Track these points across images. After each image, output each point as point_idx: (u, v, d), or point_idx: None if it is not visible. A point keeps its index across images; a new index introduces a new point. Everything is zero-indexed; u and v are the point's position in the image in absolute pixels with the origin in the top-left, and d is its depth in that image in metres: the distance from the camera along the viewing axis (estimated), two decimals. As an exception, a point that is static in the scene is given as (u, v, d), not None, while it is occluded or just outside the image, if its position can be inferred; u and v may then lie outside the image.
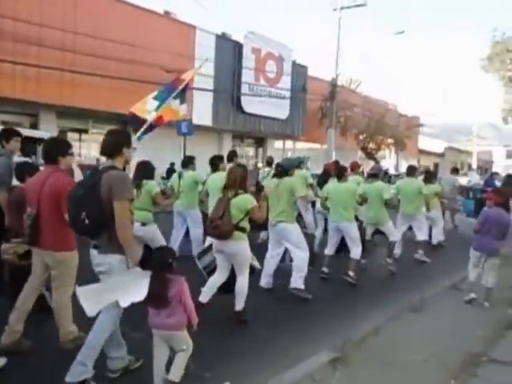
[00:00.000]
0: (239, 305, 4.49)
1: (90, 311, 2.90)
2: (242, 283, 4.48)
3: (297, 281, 5.33)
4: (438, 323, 4.69)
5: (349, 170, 7.42)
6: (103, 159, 3.38)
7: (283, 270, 5.79)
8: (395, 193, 7.86)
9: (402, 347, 4.02)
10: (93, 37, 12.88)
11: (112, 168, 3.12)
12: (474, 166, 45.95)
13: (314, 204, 7.82)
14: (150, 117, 6.15)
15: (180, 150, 14.01)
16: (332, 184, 6.58)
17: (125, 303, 2.95)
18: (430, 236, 8.61)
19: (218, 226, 4.27)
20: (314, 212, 8.02)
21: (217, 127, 17.29)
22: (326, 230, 7.33)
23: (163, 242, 5.41)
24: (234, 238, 4.32)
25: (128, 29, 13.96)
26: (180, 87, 6.46)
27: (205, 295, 4.52)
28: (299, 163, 7.69)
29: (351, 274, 6.14)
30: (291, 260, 5.63)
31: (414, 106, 29.18)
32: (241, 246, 4.41)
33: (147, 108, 7.07)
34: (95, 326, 3.11)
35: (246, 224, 4.43)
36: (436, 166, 11.66)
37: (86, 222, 2.98)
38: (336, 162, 8.46)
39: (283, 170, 5.57)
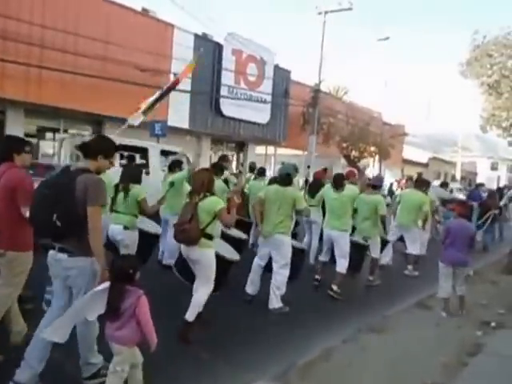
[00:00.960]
0: (191, 315, 4.14)
1: (61, 338, 2.88)
2: (200, 296, 4.20)
3: (275, 301, 5.18)
4: (397, 346, 4.25)
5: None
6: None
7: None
8: (397, 201, 7.83)
9: (352, 375, 3.56)
10: (63, 31, 12.36)
11: (86, 171, 3.04)
12: (458, 176, 46.06)
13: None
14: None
15: None
16: (330, 192, 6.36)
17: (92, 317, 2.94)
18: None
19: (185, 231, 4.11)
20: (302, 222, 7.88)
21: (194, 130, 16.76)
22: (321, 239, 7.09)
23: (134, 252, 5.02)
24: (200, 245, 4.13)
25: (102, 25, 13.42)
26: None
27: (188, 312, 4.19)
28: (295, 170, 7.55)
29: (335, 288, 5.92)
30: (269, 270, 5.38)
31: (399, 114, 28.96)
32: (205, 254, 4.19)
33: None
34: (78, 328, 3.12)
35: (212, 230, 4.25)
36: (419, 175, 11.36)
37: (58, 223, 2.89)
38: (325, 170, 8.24)
39: (288, 179, 5.37)
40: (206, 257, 4.20)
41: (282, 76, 20.29)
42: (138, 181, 5.29)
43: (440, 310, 5.28)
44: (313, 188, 7.55)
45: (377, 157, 28.19)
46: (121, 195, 5.11)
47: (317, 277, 6.33)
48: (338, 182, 6.24)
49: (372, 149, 25.51)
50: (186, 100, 16.11)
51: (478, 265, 6.89)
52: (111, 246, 5.16)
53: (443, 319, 5.05)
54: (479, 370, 3.81)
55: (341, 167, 23.00)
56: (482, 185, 14.86)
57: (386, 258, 7.58)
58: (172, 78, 15.33)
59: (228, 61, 17.31)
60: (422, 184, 8.06)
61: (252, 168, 9.56)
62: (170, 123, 15.16)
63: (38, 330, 3.08)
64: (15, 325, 3.68)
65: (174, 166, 6.88)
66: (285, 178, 5.38)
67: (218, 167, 6.64)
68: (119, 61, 13.43)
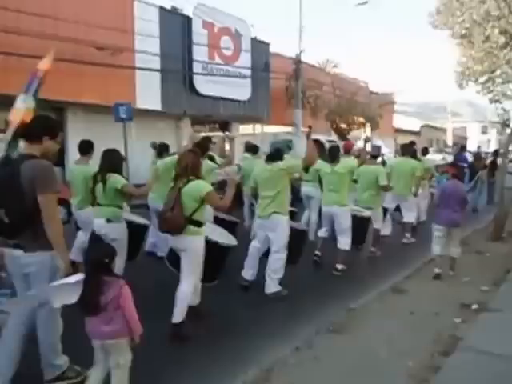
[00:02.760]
0: (177, 316, 3.84)
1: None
2: (185, 289, 3.89)
3: (272, 285, 4.98)
4: (359, 348, 3.58)
5: (342, 151, 7.24)
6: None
7: None
8: (388, 172, 7.61)
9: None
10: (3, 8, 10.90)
11: (31, 157, 2.80)
12: (450, 142, 45.25)
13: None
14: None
15: (122, 137, 12.27)
16: (324, 165, 6.19)
17: (57, 304, 2.73)
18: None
19: (168, 220, 3.83)
20: (300, 196, 7.77)
21: (167, 111, 15.44)
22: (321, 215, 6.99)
23: (125, 245, 4.75)
24: (187, 232, 3.84)
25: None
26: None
27: (193, 298, 4.06)
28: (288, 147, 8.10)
29: (339, 267, 5.86)
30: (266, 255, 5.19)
31: (387, 83, 27.73)
32: (193, 242, 3.90)
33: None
34: (38, 326, 2.96)
35: (201, 216, 3.92)
36: (411, 143, 10.47)
37: (6, 220, 2.73)
38: (316, 141, 7.41)
39: (277, 155, 5.17)
40: (193, 244, 3.90)
41: (260, 49, 18.91)
42: (118, 169, 4.79)
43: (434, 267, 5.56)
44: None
45: (368, 128, 27.07)
46: (99, 186, 4.68)
47: (317, 252, 6.21)
48: (333, 155, 6.09)
49: (361, 120, 24.30)
50: (155, 79, 14.77)
51: (464, 232, 6.65)
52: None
53: (419, 304, 4.61)
54: (452, 376, 3.09)
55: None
56: (464, 148, 15.69)
57: (387, 229, 7.37)
58: (137, 56, 14.08)
59: (199, 35, 15.92)
60: (407, 150, 8.06)
61: (249, 147, 9.07)
62: (139, 105, 13.96)
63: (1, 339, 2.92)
64: None
65: (162, 151, 6.60)
66: (273, 154, 5.19)
67: (202, 147, 6.00)
68: (71, 39, 12.02)
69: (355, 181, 6.63)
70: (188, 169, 3.94)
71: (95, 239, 4.72)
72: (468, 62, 14.49)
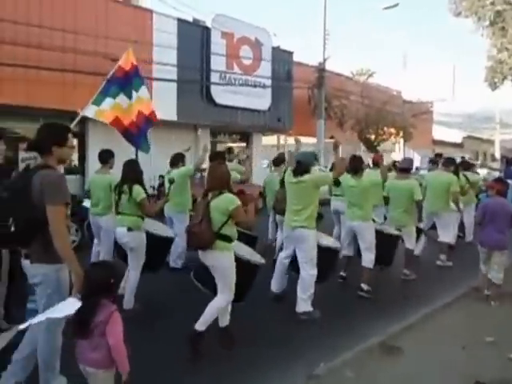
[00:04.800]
0: (200, 324, 3.83)
1: None
2: (217, 303, 3.87)
3: (304, 304, 4.80)
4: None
5: (370, 163, 7.26)
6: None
7: None
8: (424, 185, 7.36)
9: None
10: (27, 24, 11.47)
11: (44, 167, 2.82)
12: (498, 155, 42.93)
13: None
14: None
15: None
16: (347, 179, 5.90)
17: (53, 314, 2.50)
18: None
19: (196, 234, 3.78)
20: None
21: (183, 121, 15.60)
22: None
23: (143, 254, 4.91)
24: (216, 248, 3.77)
25: (70, 14, 12.49)
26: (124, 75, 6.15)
27: (198, 322, 3.88)
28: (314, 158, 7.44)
29: (365, 287, 5.54)
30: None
31: (425, 92, 26.68)
32: (222, 257, 3.83)
33: (103, 108, 6.22)
34: (38, 353, 2.89)
35: (230, 231, 3.85)
36: (437, 155, 9.40)
37: (13, 229, 2.75)
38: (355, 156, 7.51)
39: (301, 167, 4.97)
40: (222, 260, 3.83)
41: (282, 58, 18.79)
42: (140, 180, 4.99)
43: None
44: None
45: (401, 139, 26.23)
46: (123, 196, 4.88)
47: (341, 274, 6.03)
48: (355, 167, 5.76)
49: (391, 130, 23.56)
50: (172, 90, 14.99)
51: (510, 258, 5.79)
52: (120, 251, 5.15)
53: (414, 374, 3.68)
54: None
55: (361, 153, 21.35)
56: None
57: (418, 248, 6.93)
58: (154, 67, 14.37)
59: (217, 45, 16.03)
60: (448, 164, 7.45)
61: (275, 160, 8.31)
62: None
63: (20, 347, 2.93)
64: None
65: (177, 161, 6.62)
66: (297, 167, 4.98)
67: (220, 157, 6.36)
68: (91, 52, 12.48)
69: (386, 198, 6.39)
70: (219, 181, 3.91)
71: (119, 252, 5.09)
72: (500, 54, 12.31)
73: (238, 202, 3.82)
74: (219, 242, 3.78)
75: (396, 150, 29.60)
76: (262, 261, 4.44)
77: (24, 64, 11.35)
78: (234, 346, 4.02)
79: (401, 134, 24.54)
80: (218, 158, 6.30)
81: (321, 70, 19.00)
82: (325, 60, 19.31)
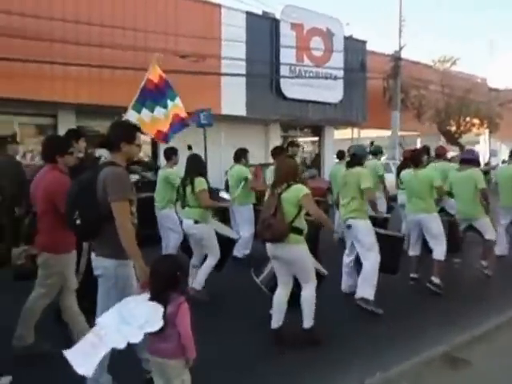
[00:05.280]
0: (308, 321, 3.91)
1: (84, 370, 2.28)
2: (308, 294, 3.89)
3: (364, 290, 4.73)
4: None
5: (434, 155, 7.18)
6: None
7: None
8: (494, 181, 7.29)
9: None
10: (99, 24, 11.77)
11: (111, 164, 2.92)
12: None
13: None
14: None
15: (213, 142, 12.45)
16: (407, 172, 5.91)
17: (137, 338, 2.37)
18: None
19: (271, 226, 3.74)
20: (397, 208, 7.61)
21: (252, 116, 15.34)
22: None
23: (215, 243, 5.11)
24: (289, 241, 3.77)
25: (141, 13, 12.68)
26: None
27: (276, 319, 3.95)
28: (378, 151, 7.74)
29: (435, 280, 5.37)
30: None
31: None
32: (298, 250, 3.84)
33: (143, 118, 6.63)
34: None
35: (301, 223, 3.86)
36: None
37: (78, 222, 2.83)
38: (413, 150, 7.26)
39: (355, 159, 5.08)
40: (299, 254, 3.85)
41: (355, 48, 17.90)
42: (203, 172, 5.23)
43: None
44: (402, 170, 6.72)
45: (486, 131, 24.15)
46: (188, 189, 5.05)
47: (412, 275, 5.76)
48: (416, 160, 5.71)
49: (475, 121, 21.68)
50: (241, 85, 14.77)
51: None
52: (184, 245, 5.51)
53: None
54: None
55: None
56: None
57: (500, 247, 6.71)
58: (222, 62, 14.24)
59: (287, 37, 15.56)
60: None
61: (343, 153, 8.56)
62: (224, 111, 14.09)
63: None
64: (22, 329, 3.61)
65: (239, 157, 6.88)
66: (351, 159, 5.14)
67: (278, 152, 6.49)
68: (161, 50, 12.55)
69: (450, 193, 6.14)
70: (288, 174, 3.94)
71: (182, 247, 5.43)
72: None
73: (308, 190, 3.84)
74: (292, 235, 3.77)
75: (481, 142, 27.38)
76: (323, 271, 4.36)
77: (99, 64, 11.66)
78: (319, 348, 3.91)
79: (485, 124, 22.55)
80: (279, 152, 6.48)
81: (396, 58, 17.90)
82: (401, 48, 18.19)
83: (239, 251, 6.62)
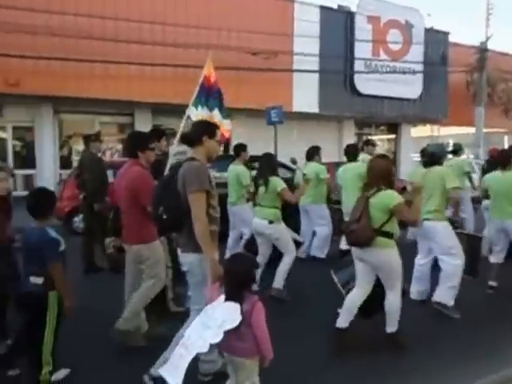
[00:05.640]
0: (391, 327, 3.77)
1: (175, 381, 2.34)
2: (393, 300, 3.72)
3: (443, 294, 4.54)
4: None
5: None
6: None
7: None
8: None
9: None
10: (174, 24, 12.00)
11: (191, 159, 2.99)
12: None
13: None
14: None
15: (284, 139, 12.33)
16: (493, 173, 5.39)
17: (217, 338, 2.39)
18: None
19: (354, 232, 3.61)
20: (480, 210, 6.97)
21: (325, 113, 14.92)
22: None
23: (291, 243, 5.09)
24: (378, 244, 3.55)
25: (212, 11, 12.76)
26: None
27: (343, 319, 3.78)
28: (458, 149, 7.39)
29: None
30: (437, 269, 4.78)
31: None
32: (386, 254, 3.62)
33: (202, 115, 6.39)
34: None
35: (392, 227, 3.62)
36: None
37: (164, 216, 2.90)
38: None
39: (434, 158, 4.78)
40: (388, 258, 3.62)
41: (437, 40, 16.81)
42: (275, 172, 5.11)
43: None
44: (488, 170, 6.28)
45: None
46: (262, 189, 4.99)
47: (491, 283, 5.27)
48: (504, 160, 5.19)
49: None
50: (313, 81, 14.42)
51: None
52: (250, 244, 5.48)
53: None
54: None
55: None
56: None
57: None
58: (295, 58, 13.99)
59: (362, 30, 14.96)
60: None
61: None
62: (295, 108, 13.85)
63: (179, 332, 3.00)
64: (129, 315, 3.71)
65: (312, 155, 6.68)
66: (430, 158, 4.80)
67: (351, 151, 6.31)
68: (234, 47, 12.55)
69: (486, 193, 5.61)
70: (381, 176, 3.66)
71: (248, 245, 5.39)
72: None
73: (400, 199, 3.53)
74: (380, 239, 3.55)
75: None
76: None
77: (173, 64, 11.88)
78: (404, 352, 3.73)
79: None
80: (352, 150, 6.33)
81: (482, 50, 16.56)
82: (487, 38, 16.83)
83: (319, 251, 6.57)
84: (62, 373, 3.29)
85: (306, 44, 13.91)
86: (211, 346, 2.47)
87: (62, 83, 11.11)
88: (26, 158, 12.79)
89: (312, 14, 14.29)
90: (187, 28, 12.14)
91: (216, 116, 6.33)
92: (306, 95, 14.16)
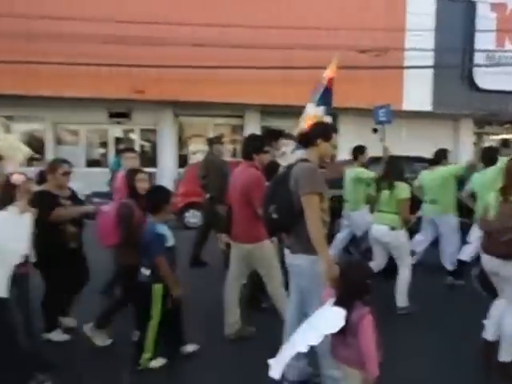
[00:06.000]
0: (503, 354, 3.39)
1: (274, 373, 2.42)
2: (510, 322, 3.39)
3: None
4: None
5: None
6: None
7: None
8: None
9: None
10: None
11: (303, 160, 3.01)
12: None
13: None
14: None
15: (393, 139, 12.08)
16: None
17: (316, 340, 2.36)
18: None
19: (506, 243, 3.21)
20: None
21: (439, 111, 14.07)
22: None
23: (409, 256, 4.89)
24: None
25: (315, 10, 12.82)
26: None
27: (492, 331, 3.54)
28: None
29: None
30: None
31: None
32: None
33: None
34: None
35: None
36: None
37: (274, 216, 2.93)
38: None
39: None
40: None
41: None
42: (401, 176, 4.88)
43: None
44: None
45: None
46: (385, 193, 4.80)
47: None
48: None
49: None
50: (426, 78, 13.71)
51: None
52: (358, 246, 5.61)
53: None
54: None
55: None
56: None
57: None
58: (406, 54, 13.48)
59: (485, 19, 13.78)
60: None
61: None
62: (405, 107, 13.35)
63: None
64: (231, 316, 3.98)
65: (439, 158, 5.98)
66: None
67: (487, 154, 5.33)
68: (347, 46, 12.46)
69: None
70: None
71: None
72: None
73: None
74: None
75: None
76: None
77: (280, 66, 12.22)
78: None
79: None
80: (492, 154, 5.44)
81: None
82: None
83: (449, 263, 5.84)
84: (159, 361, 3.53)
85: (419, 38, 13.28)
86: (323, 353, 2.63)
87: (181, 89, 12.15)
88: (150, 158, 14.24)
89: (426, 6, 13.58)
90: (292, 30, 12.36)
91: (319, 112, 6.28)
92: (417, 93, 13.54)
